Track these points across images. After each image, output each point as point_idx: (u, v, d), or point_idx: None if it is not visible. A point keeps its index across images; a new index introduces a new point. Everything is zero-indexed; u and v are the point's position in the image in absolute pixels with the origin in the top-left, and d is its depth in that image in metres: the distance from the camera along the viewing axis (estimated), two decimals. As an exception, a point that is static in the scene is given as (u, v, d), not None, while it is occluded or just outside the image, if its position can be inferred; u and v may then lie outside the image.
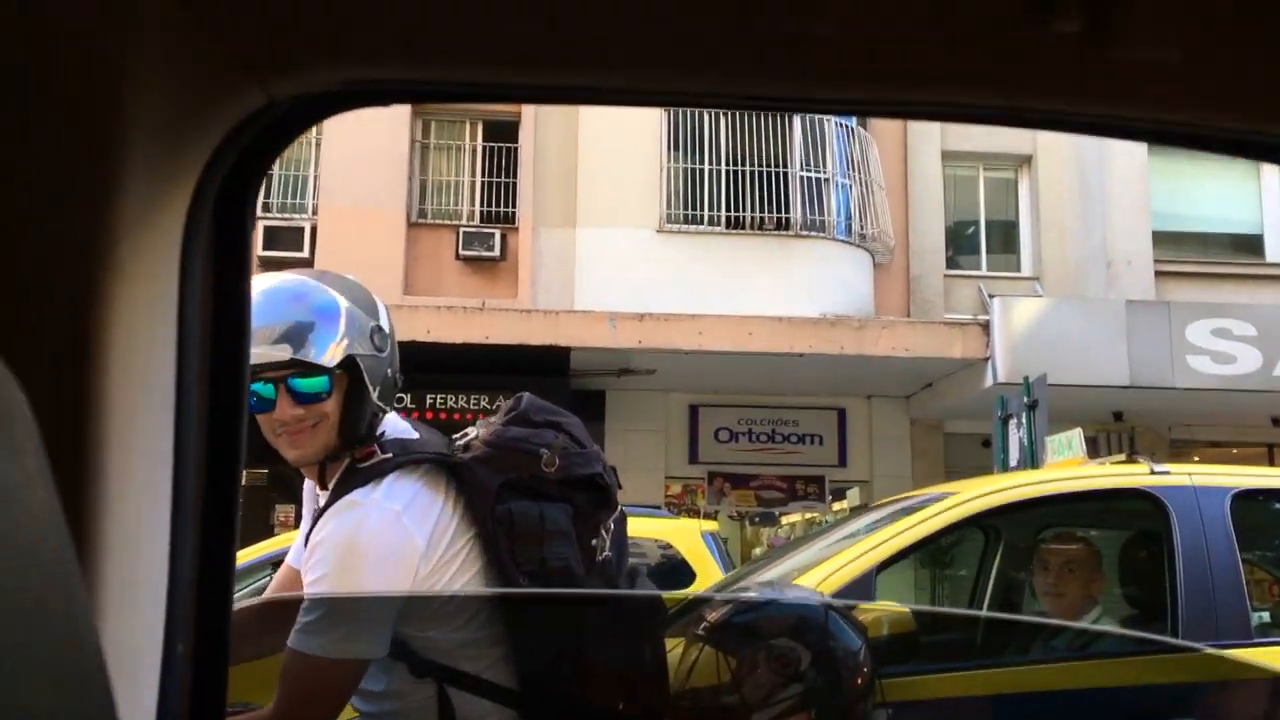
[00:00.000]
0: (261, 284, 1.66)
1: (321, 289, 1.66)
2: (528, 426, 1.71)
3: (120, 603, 0.72)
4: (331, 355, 1.62)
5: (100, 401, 0.70)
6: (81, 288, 0.68)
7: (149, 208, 0.71)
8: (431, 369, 9.06)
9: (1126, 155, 11.85)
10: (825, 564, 3.49)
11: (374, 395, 1.66)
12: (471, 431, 1.78)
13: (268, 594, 1.91)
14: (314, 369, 1.61)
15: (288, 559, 1.89)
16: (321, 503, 1.71)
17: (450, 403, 10.51)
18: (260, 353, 1.58)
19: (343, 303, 1.66)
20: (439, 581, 1.62)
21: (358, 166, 11.06)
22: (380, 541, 1.60)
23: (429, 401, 10.42)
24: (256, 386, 1.61)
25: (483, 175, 11.83)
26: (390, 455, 1.67)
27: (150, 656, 0.76)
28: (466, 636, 1.65)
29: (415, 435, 1.76)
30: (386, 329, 1.71)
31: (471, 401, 10.46)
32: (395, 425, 1.76)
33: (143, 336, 0.72)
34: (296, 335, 1.60)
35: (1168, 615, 3.48)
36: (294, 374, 1.61)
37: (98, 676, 0.45)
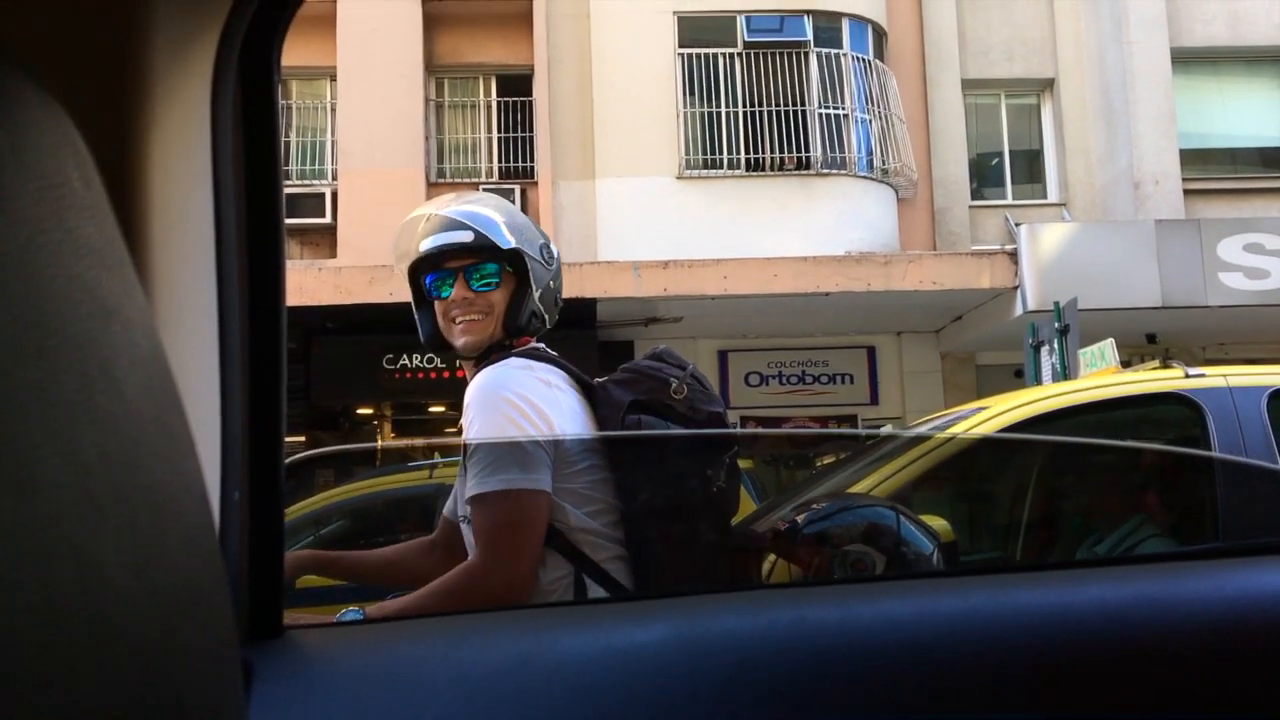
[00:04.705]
0: (442, 198, 1.92)
1: (501, 201, 1.93)
2: (660, 363, 1.88)
3: None
4: (508, 241, 1.82)
5: (143, 251, 0.72)
6: (116, 134, 0.69)
7: (176, 56, 0.72)
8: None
9: (1151, 74, 11.63)
10: (862, 483, 3.50)
11: (535, 295, 1.85)
12: None
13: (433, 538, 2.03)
14: (489, 255, 1.82)
15: (445, 512, 1.98)
16: None
17: (480, 360, 10.55)
18: (443, 237, 1.81)
19: (519, 214, 1.93)
20: (573, 469, 1.72)
21: (374, 129, 11.06)
22: (530, 389, 1.73)
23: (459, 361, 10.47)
24: (434, 276, 1.85)
25: (499, 131, 11.80)
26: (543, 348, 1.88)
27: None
28: (589, 525, 1.72)
29: None
30: (554, 252, 1.94)
31: (501, 358, 10.50)
32: None
33: (179, 183, 0.74)
34: (479, 224, 1.82)
35: (1208, 518, 3.46)
36: (471, 264, 1.82)
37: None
